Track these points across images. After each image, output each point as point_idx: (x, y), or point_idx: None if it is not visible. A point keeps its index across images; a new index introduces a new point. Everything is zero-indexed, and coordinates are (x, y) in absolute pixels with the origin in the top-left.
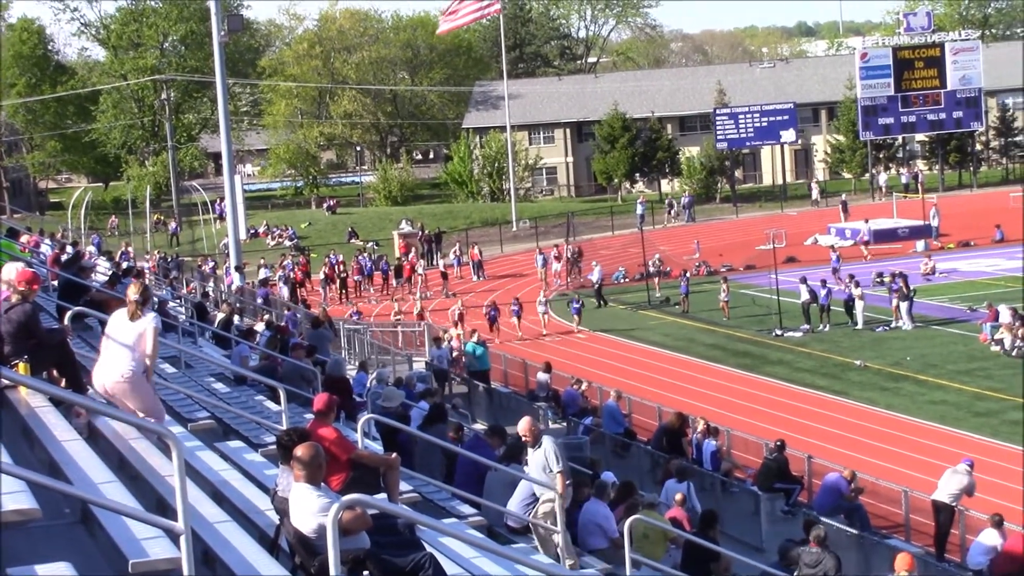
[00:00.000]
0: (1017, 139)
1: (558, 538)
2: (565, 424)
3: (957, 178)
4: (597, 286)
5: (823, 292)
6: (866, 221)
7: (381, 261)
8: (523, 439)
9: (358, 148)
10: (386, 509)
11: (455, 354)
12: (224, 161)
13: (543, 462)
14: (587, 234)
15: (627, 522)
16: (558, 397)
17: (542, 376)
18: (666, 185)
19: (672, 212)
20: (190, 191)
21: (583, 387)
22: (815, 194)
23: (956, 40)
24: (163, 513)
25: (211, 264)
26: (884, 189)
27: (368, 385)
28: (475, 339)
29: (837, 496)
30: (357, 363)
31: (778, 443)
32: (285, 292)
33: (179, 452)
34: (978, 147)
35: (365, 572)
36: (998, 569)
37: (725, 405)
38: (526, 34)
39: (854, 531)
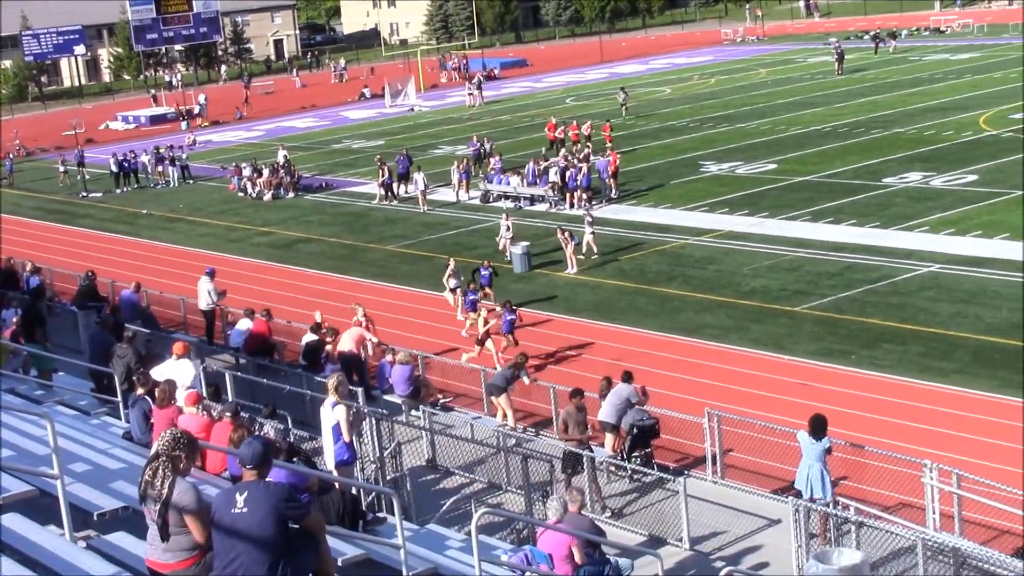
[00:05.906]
0: (247, 46)
1: None
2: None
3: (207, 75)
4: None
5: (125, 164)
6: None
7: None
8: None
9: None
10: None
11: None
12: None
13: None
14: None
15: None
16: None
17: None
18: None
19: None
20: None
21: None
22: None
23: None
24: None
25: None
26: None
27: None
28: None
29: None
30: None
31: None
32: None
33: None
34: (220, 53)
35: None
36: (250, 344)
37: (52, 251)
38: None
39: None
